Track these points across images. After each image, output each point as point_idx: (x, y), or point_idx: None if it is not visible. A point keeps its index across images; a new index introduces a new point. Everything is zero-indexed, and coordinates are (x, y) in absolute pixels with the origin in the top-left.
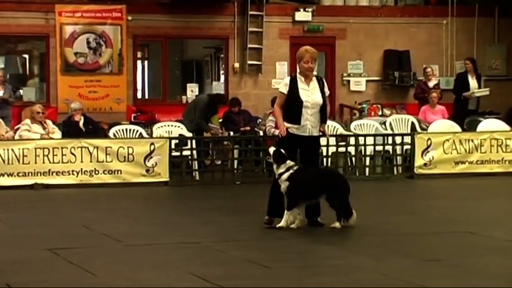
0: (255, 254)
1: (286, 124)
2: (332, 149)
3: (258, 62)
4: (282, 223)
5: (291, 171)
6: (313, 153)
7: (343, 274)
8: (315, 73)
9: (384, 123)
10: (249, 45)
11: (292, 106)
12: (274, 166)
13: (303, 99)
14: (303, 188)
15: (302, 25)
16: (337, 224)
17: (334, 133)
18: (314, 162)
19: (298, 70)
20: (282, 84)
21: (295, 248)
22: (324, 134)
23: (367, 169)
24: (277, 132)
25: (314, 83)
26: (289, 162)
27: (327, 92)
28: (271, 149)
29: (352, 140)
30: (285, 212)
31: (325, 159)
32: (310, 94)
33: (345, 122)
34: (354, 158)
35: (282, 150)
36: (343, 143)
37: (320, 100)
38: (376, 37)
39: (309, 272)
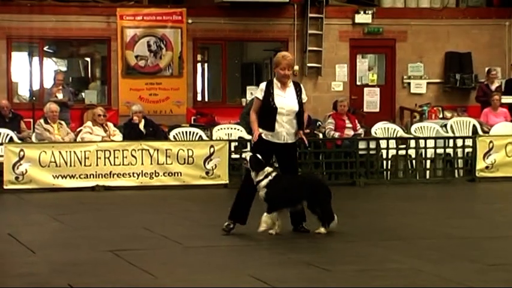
0: (314, 257)
1: (261, 130)
2: (392, 152)
3: (317, 64)
4: (262, 226)
5: (270, 177)
6: (290, 160)
7: (402, 277)
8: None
9: (445, 125)
10: (309, 48)
11: (266, 112)
12: (252, 173)
13: (277, 105)
14: (282, 194)
15: (362, 27)
16: (322, 229)
17: (395, 136)
18: (292, 169)
19: (275, 75)
20: (257, 90)
21: (354, 250)
22: (302, 140)
23: (427, 172)
24: (336, 134)
25: (291, 89)
26: (268, 169)
27: (304, 98)
28: (248, 155)
29: (412, 143)
30: (264, 214)
31: (385, 162)
32: (286, 101)
33: (405, 124)
34: (414, 161)
35: (259, 156)
36: (404, 146)
37: (296, 107)
38: (437, 39)
39: (368, 276)
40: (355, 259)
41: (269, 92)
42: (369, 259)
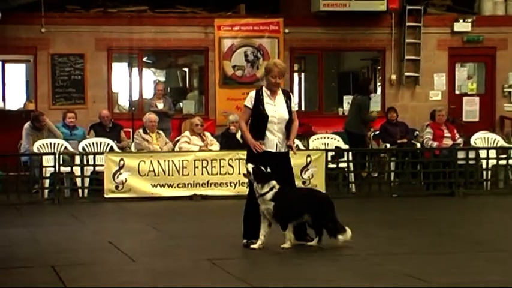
0: (413, 268)
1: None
2: (492, 162)
3: (415, 73)
4: (287, 244)
5: (275, 190)
6: (286, 170)
7: None
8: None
9: None
10: (406, 57)
11: (257, 121)
12: (258, 185)
13: (268, 114)
14: (290, 208)
15: (461, 36)
16: (314, 242)
17: (495, 145)
18: (288, 180)
19: (265, 83)
20: (247, 98)
21: (454, 262)
22: (291, 148)
23: None
24: (435, 144)
25: (280, 97)
26: (273, 182)
27: (294, 106)
28: (250, 166)
29: None
30: (284, 232)
31: (484, 172)
32: (276, 109)
33: (505, 134)
34: None
35: (263, 168)
36: (504, 156)
37: (286, 115)
38: None
39: None
40: (454, 271)
41: (259, 100)
42: (468, 271)
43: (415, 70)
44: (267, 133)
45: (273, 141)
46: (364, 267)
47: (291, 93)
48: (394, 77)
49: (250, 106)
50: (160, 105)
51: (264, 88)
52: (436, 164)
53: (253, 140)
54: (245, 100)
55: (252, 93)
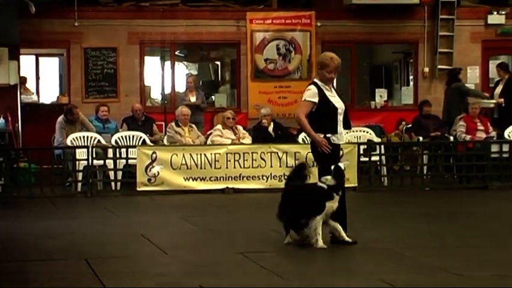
0: (447, 261)
1: (323, 135)
2: None
3: (448, 66)
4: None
5: None
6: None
7: None
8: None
9: None
10: (439, 50)
11: (327, 114)
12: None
13: (336, 106)
14: None
15: (495, 28)
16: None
17: None
18: None
19: (317, 77)
20: (309, 93)
21: (488, 256)
22: None
23: None
24: (468, 137)
25: (333, 89)
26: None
27: None
28: (343, 164)
29: None
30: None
31: None
32: (338, 100)
33: None
34: None
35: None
36: None
37: (344, 106)
38: None
39: (503, 281)
40: (489, 264)
41: (322, 94)
42: (503, 264)
43: (448, 63)
44: (338, 126)
45: (342, 133)
46: (397, 260)
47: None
48: (426, 69)
49: (316, 101)
50: (192, 99)
51: (318, 82)
52: (469, 157)
53: (318, 138)
54: (305, 95)
55: (313, 87)
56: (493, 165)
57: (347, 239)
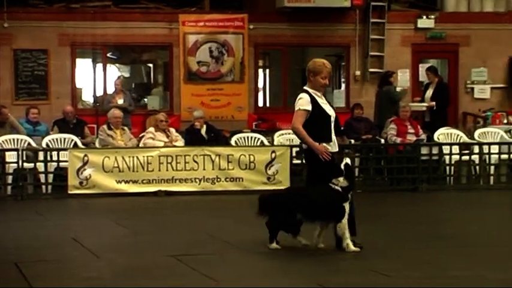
0: (376, 263)
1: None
2: (455, 158)
3: (379, 69)
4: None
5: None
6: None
7: (467, 285)
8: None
9: (509, 131)
10: (371, 53)
11: (320, 122)
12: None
13: (329, 113)
14: None
15: (424, 32)
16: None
17: (458, 141)
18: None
19: (308, 84)
20: (302, 102)
21: (418, 257)
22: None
23: (491, 178)
24: (398, 140)
25: (323, 96)
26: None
27: None
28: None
29: (476, 149)
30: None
31: (447, 167)
32: (330, 108)
33: (468, 130)
34: (477, 167)
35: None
36: (467, 152)
37: (334, 113)
38: (501, 44)
39: (432, 283)
40: (418, 266)
41: (314, 101)
42: (432, 266)
43: (379, 66)
44: (331, 134)
45: (335, 140)
46: (331, 263)
47: None
48: (358, 73)
49: (310, 109)
50: (120, 101)
51: (310, 89)
52: (400, 160)
53: (318, 146)
54: (298, 104)
55: (305, 96)
56: (423, 168)
57: (321, 245)
